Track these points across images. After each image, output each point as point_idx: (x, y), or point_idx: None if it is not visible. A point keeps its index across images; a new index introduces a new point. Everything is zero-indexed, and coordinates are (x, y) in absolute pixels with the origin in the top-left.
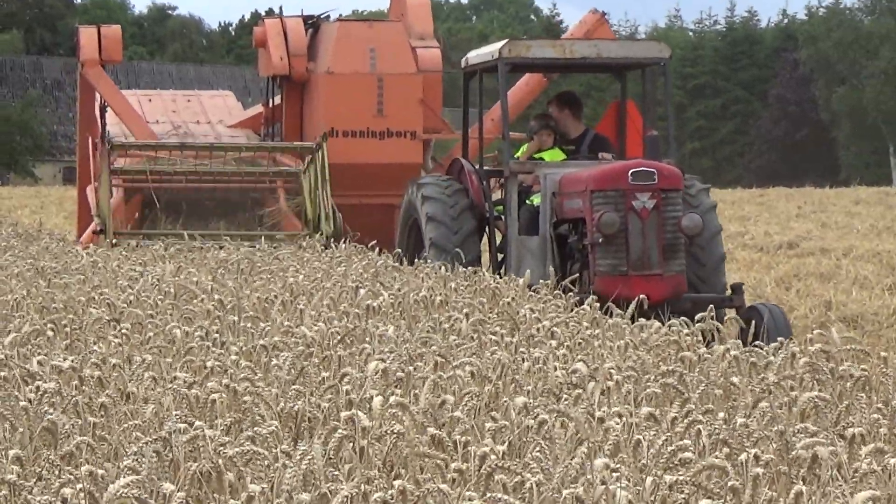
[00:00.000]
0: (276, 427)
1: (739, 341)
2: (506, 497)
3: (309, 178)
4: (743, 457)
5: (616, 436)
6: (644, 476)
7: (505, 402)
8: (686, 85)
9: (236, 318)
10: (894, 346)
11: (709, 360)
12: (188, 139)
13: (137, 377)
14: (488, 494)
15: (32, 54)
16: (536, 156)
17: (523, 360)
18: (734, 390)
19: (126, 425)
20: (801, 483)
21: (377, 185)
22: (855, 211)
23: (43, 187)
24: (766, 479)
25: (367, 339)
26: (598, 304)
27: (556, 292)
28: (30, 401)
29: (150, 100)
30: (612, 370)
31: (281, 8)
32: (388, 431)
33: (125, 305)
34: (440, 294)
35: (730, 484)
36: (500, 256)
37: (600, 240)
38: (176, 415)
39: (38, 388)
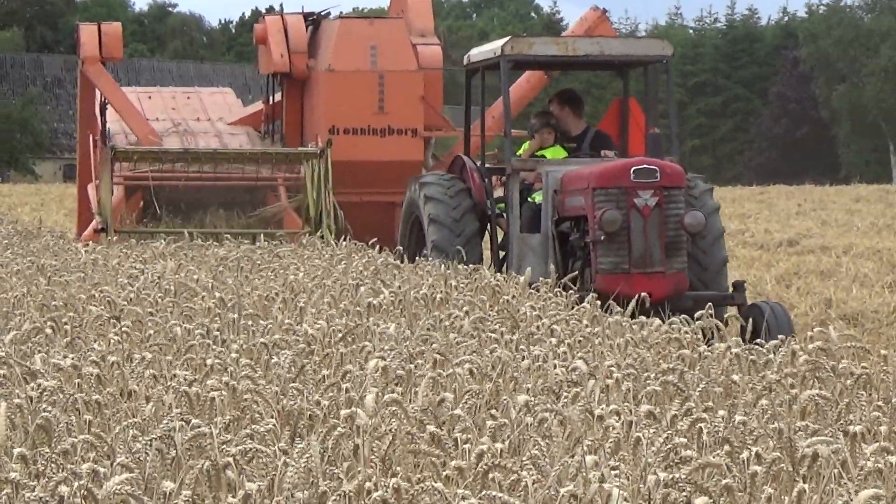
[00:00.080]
0: (274, 425)
1: (739, 339)
2: (501, 495)
3: (312, 179)
4: (745, 455)
5: (617, 433)
6: (641, 474)
7: (505, 400)
8: (686, 83)
9: (236, 316)
10: (894, 343)
11: (709, 358)
12: (188, 137)
13: (137, 375)
14: (484, 492)
15: (33, 52)
16: (538, 153)
17: (523, 357)
18: (735, 388)
19: (126, 423)
20: (803, 481)
21: (378, 183)
22: (855, 209)
23: (43, 185)
24: (767, 477)
25: (368, 337)
26: (598, 302)
27: (556, 290)
28: (30, 399)
29: (149, 97)
30: (612, 368)
31: (281, 5)
32: (385, 430)
33: (125, 303)
34: (440, 292)
35: (724, 482)
36: (501, 254)
37: (602, 237)
38: (176, 412)
39: (38, 385)
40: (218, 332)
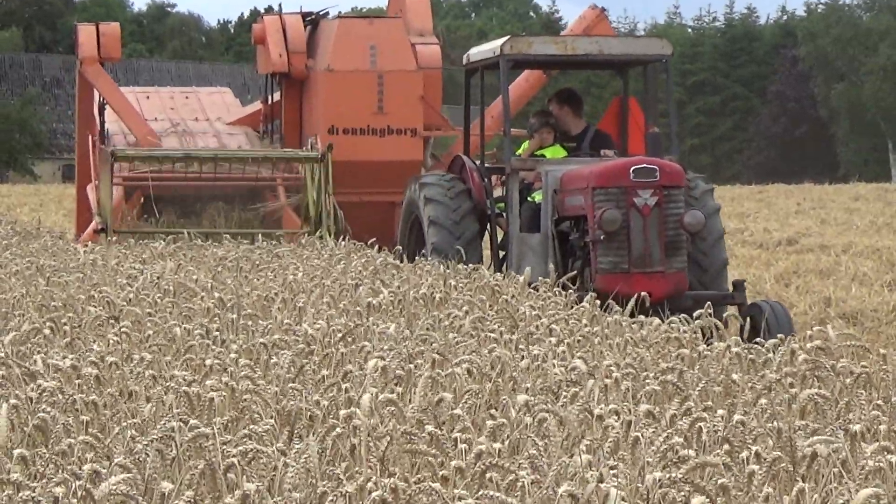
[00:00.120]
0: (272, 425)
1: (738, 338)
2: (498, 495)
3: (311, 179)
4: (744, 454)
5: (616, 433)
6: (640, 474)
7: (504, 399)
8: (685, 82)
9: (235, 317)
10: (894, 342)
11: (708, 358)
12: (187, 137)
13: (136, 375)
14: (482, 492)
15: (32, 52)
16: (538, 153)
17: (522, 357)
18: (734, 388)
19: (125, 423)
20: (802, 481)
21: (378, 183)
22: (854, 207)
23: (42, 185)
24: (767, 476)
25: (368, 337)
26: (597, 302)
27: (555, 290)
28: (28, 399)
29: (147, 97)
30: (611, 367)
31: (280, 5)
32: (383, 430)
33: (124, 303)
34: (440, 291)
35: (720, 482)
36: (501, 254)
37: (602, 237)
38: (175, 413)
39: (38, 386)
40: (217, 333)
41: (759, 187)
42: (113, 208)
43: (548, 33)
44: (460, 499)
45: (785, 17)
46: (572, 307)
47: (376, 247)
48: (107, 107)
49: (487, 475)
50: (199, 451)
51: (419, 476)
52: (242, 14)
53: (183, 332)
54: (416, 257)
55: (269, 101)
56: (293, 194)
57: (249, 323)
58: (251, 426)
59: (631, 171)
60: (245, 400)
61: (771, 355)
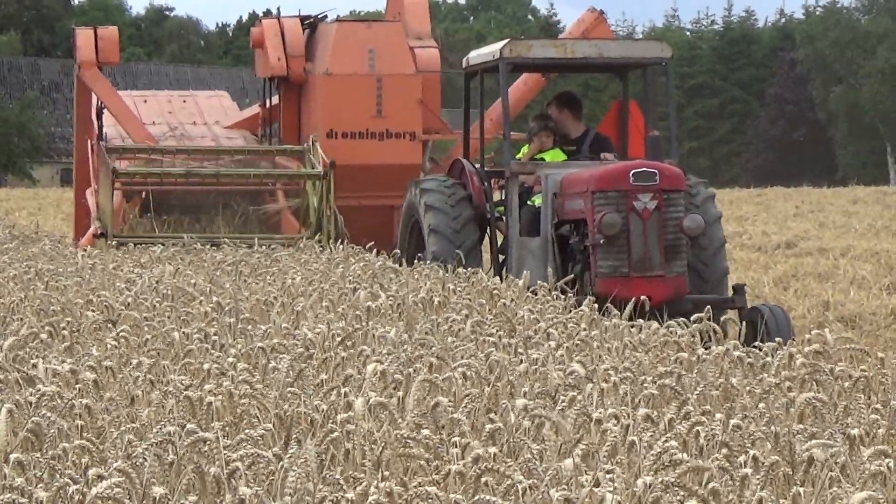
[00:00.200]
0: (269, 430)
1: (737, 342)
2: (494, 499)
3: (313, 188)
4: (742, 458)
5: (614, 437)
6: (635, 478)
7: (504, 404)
8: (683, 85)
9: (234, 321)
10: (892, 346)
11: (707, 362)
12: (185, 141)
13: (134, 380)
14: (477, 497)
15: (30, 56)
16: (537, 156)
17: (520, 361)
18: (732, 391)
19: (123, 428)
20: (800, 485)
21: (377, 187)
22: (852, 210)
23: (41, 189)
24: (764, 481)
25: (367, 341)
26: (595, 305)
27: (554, 293)
28: (28, 403)
29: (145, 101)
30: (609, 371)
31: (279, 9)
32: (378, 434)
33: (123, 308)
34: (439, 295)
35: (711, 486)
36: (501, 258)
37: (601, 241)
38: (173, 417)
39: (37, 390)
40: (216, 337)
41: (757, 190)
42: (113, 211)
43: (546, 36)
44: (456, 503)
45: (783, 20)
46: (571, 311)
47: (374, 251)
48: (105, 111)
49: (483, 479)
50: (197, 455)
51: (419, 480)
52: (241, 18)
53: (182, 336)
54: (416, 261)
55: (268, 105)
56: (292, 198)
57: (249, 327)
58: (247, 430)
59: (631, 174)
60: (244, 404)
61: (769, 359)
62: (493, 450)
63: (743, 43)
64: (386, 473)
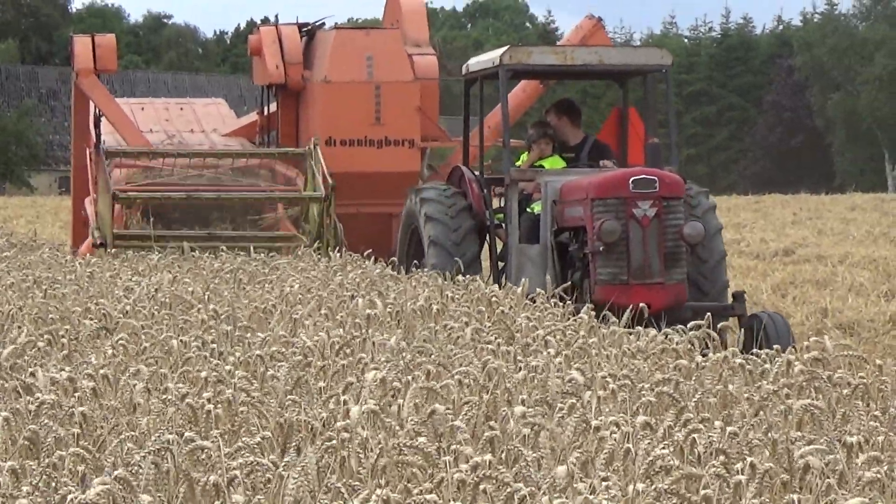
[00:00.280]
0: (266, 437)
1: (736, 349)
2: None
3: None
4: (738, 466)
5: (612, 445)
6: (627, 484)
7: (504, 411)
8: (681, 91)
9: (231, 328)
10: (890, 353)
11: (705, 369)
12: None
13: (132, 388)
14: None
15: (28, 64)
16: (536, 164)
17: (519, 368)
18: (730, 399)
19: (123, 436)
20: (799, 491)
21: (375, 194)
22: (850, 217)
23: (39, 197)
24: (760, 488)
25: (366, 349)
26: (593, 312)
27: (553, 300)
28: (28, 412)
29: (142, 108)
30: (607, 379)
31: (276, 16)
32: (374, 442)
33: (121, 316)
34: (437, 303)
35: (703, 493)
36: (500, 265)
37: (601, 248)
38: (170, 426)
39: (36, 399)
40: (214, 345)
41: (755, 197)
42: (113, 220)
43: (544, 43)
44: None
45: (781, 27)
46: (569, 318)
47: (372, 258)
48: (103, 118)
49: (481, 487)
50: (195, 463)
51: (421, 487)
52: (239, 25)
53: (180, 344)
54: (415, 268)
55: (266, 113)
56: (291, 206)
57: (248, 335)
58: (244, 439)
59: (630, 181)
60: (242, 412)
61: (768, 366)
62: (487, 457)
63: (741, 50)
64: (381, 482)
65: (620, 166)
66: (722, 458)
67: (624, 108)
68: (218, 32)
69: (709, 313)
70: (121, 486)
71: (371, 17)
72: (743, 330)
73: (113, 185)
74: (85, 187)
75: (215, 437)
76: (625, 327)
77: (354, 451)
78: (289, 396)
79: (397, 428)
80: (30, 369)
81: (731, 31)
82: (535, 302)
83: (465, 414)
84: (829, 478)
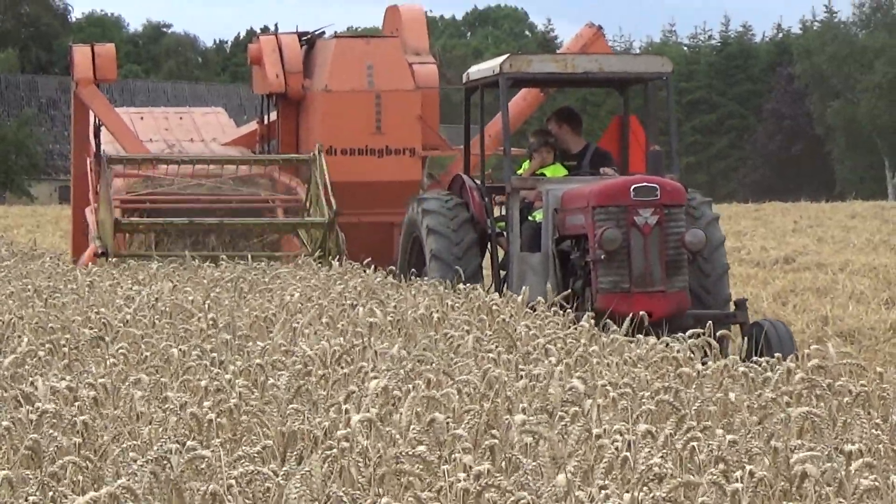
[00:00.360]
0: (267, 447)
1: (736, 357)
2: None
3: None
4: (738, 474)
5: (612, 453)
6: (625, 493)
7: (506, 419)
8: (681, 100)
9: (231, 337)
10: (891, 361)
11: (706, 377)
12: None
13: (131, 397)
14: None
15: (28, 73)
16: (538, 172)
17: (520, 377)
18: (731, 406)
19: (125, 445)
20: (799, 499)
21: (376, 203)
22: (851, 225)
23: (39, 206)
24: (757, 496)
25: (367, 357)
26: (593, 321)
27: (554, 309)
28: (29, 421)
29: (142, 118)
30: (608, 387)
31: (276, 25)
32: (374, 451)
33: (121, 325)
34: (438, 312)
35: (700, 500)
36: (502, 273)
37: (602, 256)
38: (172, 435)
39: (37, 408)
40: (214, 354)
41: (755, 205)
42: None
43: (544, 51)
44: None
45: (780, 35)
46: (570, 327)
47: (372, 266)
48: (102, 128)
49: (485, 496)
50: (196, 472)
51: (425, 495)
52: (238, 34)
53: (180, 353)
54: (416, 277)
55: (266, 122)
56: (292, 216)
57: (249, 344)
58: (243, 448)
59: (631, 189)
60: (244, 421)
61: (769, 374)
62: (486, 465)
63: (740, 58)
64: (379, 490)
65: (621, 174)
66: (722, 466)
67: (625, 115)
68: (217, 41)
69: (710, 321)
70: (122, 492)
71: (371, 25)
72: (745, 338)
73: (113, 194)
74: (85, 197)
75: (216, 445)
76: (625, 335)
77: (353, 460)
78: (290, 406)
79: (397, 437)
80: (30, 379)
81: (730, 39)
82: (535, 310)
83: (467, 423)
84: (829, 485)
